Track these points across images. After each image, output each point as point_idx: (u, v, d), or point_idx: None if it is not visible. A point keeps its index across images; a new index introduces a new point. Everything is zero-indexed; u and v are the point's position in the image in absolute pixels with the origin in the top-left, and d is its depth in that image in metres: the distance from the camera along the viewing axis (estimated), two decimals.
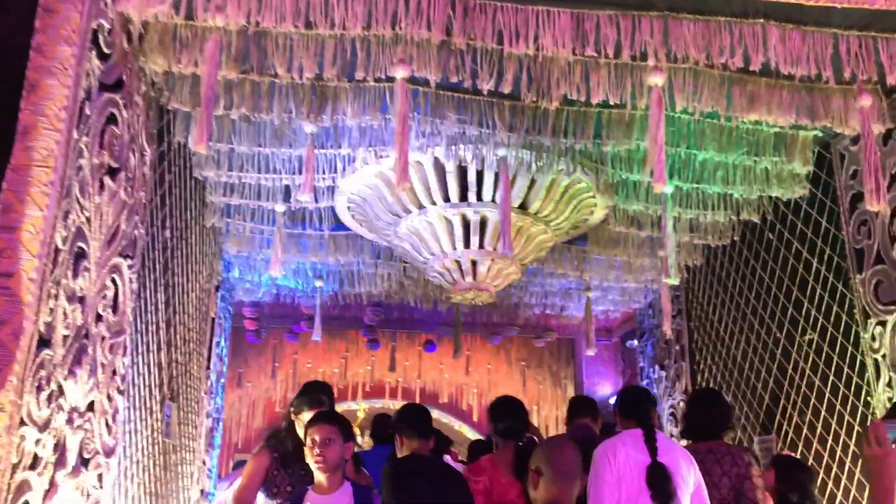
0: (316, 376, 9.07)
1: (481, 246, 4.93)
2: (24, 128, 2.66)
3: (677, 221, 5.27)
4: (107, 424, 3.22)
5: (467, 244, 4.93)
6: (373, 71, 3.41)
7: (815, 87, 3.71)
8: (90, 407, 3.03)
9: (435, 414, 7.31)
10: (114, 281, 3.24)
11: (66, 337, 2.79)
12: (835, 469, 4.48)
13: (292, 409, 3.81)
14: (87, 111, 2.90)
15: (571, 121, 4.06)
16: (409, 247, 5.21)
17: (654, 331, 7.39)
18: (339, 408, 6.17)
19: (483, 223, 4.88)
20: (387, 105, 3.82)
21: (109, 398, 3.24)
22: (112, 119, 3.14)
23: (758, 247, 5.52)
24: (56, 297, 2.69)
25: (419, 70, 3.35)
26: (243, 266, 6.61)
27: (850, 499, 4.30)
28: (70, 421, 2.85)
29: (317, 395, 3.81)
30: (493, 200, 4.73)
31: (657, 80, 3.32)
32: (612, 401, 9.82)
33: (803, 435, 4.85)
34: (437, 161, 4.56)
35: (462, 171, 4.64)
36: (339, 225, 5.65)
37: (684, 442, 4.07)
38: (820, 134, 4.40)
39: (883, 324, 3.98)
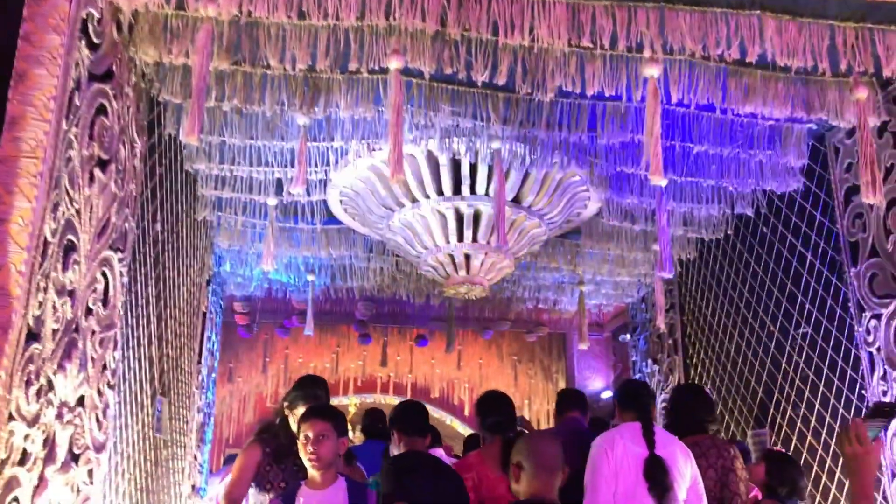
0: (307, 371, 9.03)
1: (475, 239, 4.91)
2: (12, 118, 2.62)
3: (671, 215, 5.26)
4: (97, 419, 3.19)
5: (461, 238, 4.91)
6: (366, 62, 3.38)
7: (811, 79, 3.70)
8: (80, 402, 3.00)
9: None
10: (104, 274, 3.21)
11: (55, 331, 2.75)
12: (828, 462, 4.49)
13: (286, 404, 3.69)
14: (77, 102, 2.86)
15: (566, 113, 4.04)
16: (402, 240, 5.18)
17: (647, 325, 7.39)
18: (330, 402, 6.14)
19: (477, 217, 4.85)
20: (380, 97, 3.78)
21: (100, 393, 3.21)
22: (102, 110, 3.10)
23: (752, 240, 5.51)
24: (45, 290, 2.66)
25: (413, 61, 3.33)
26: (235, 260, 6.56)
27: (844, 492, 4.31)
28: (60, 416, 2.81)
29: (312, 390, 3.72)
30: (487, 194, 4.71)
31: (653, 71, 3.30)
32: (604, 395, 9.89)
33: (797, 428, 4.85)
34: (430, 154, 4.52)
35: (456, 164, 4.62)
36: (331, 219, 5.61)
37: None
38: (814, 127, 4.40)
39: (878, 317, 3.99)
